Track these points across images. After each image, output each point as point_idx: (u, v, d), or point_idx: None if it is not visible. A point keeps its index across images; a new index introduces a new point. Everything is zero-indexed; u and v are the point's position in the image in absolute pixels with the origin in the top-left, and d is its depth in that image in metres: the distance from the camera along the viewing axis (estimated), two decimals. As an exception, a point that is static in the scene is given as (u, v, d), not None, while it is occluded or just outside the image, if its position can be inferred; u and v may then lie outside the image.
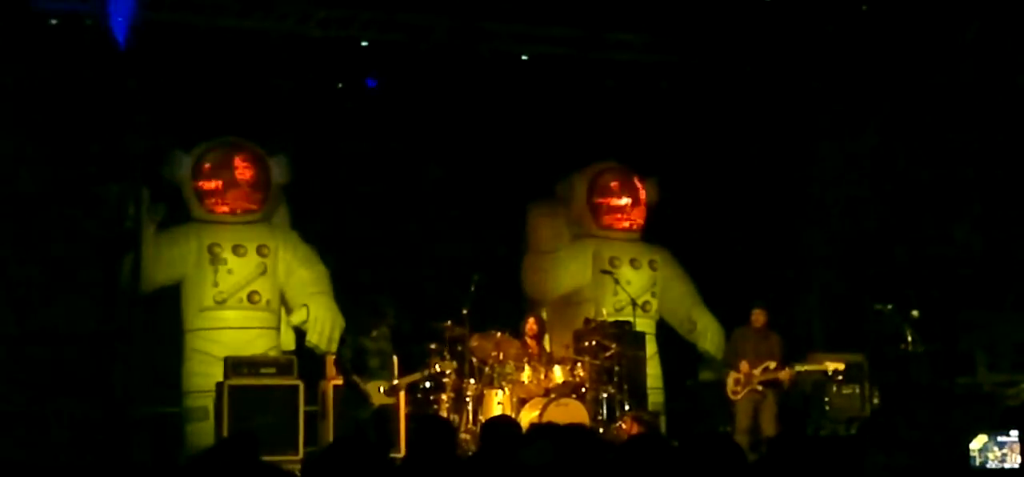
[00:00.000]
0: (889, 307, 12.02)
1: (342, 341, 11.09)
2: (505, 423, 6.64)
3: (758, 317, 11.71)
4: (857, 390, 12.30)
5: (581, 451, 5.50)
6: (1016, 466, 5.78)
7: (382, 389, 10.63)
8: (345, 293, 12.73)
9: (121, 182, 11.48)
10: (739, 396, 11.47)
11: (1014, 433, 5.81)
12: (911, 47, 12.89)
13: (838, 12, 12.87)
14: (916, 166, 13.60)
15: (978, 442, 5.80)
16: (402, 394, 11.30)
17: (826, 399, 12.33)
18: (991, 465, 5.77)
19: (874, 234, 13.78)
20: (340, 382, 10.95)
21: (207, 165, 12.66)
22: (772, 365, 11.39)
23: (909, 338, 11.73)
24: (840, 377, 12.19)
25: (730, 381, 11.54)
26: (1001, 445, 5.77)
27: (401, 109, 13.30)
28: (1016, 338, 12.33)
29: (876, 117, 13.76)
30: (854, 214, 13.99)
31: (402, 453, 10.33)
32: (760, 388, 11.40)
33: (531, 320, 12.36)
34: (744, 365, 11.43)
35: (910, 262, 13.32)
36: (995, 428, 5.83)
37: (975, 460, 5.78)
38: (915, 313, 11.84)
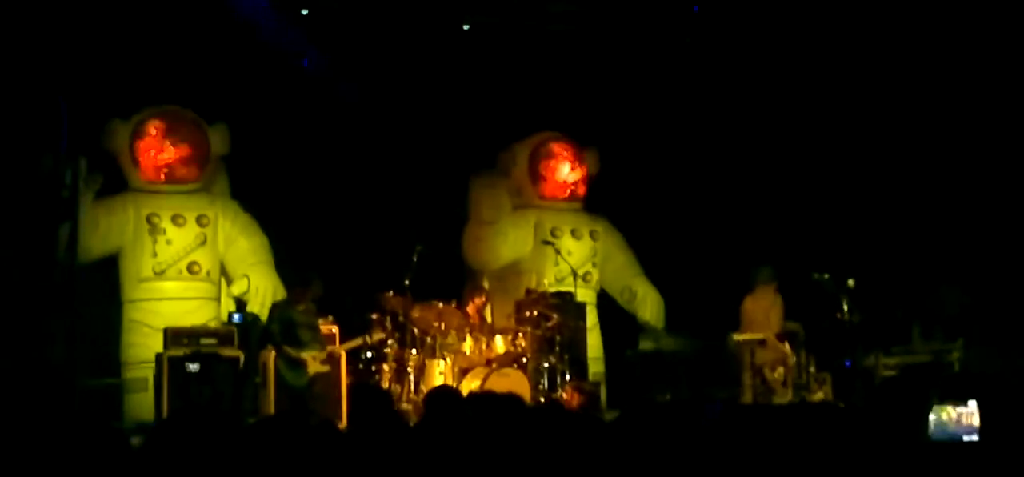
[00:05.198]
0: (826, 276, 12.20)
1: (270, 316, 11.14)
2: (448, 394, 6.66)
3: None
4: (794, 359, 12.47)
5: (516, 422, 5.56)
6: (975, 438, 5.81)
7: (316, 357, 10.70)
8: (285, 263, 12.67)
9: (57, 151, 11.31)
10: None
11: (972, 403, 5.84)
12: (852, 18, 13.05)
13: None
14: (851, 135, 13.78)
15: (936, 413, 5.83)
16: (343, 364, 11.32)
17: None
18: (950, 437, 5.81)
19: (811, 204, 13.95)
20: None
21: (145, 134, 12.51)
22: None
23: (845, 307, 11.91)
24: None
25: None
26: (959, 416, 5.81)
27: (341, 78, 13.24)
28: (947, 310, 12.54)
29: (813, 86, 13.90)
30: (792, 183, 14.15)
31: (344, 423, 10.35)
32: None
33: (477, 292, 12.41)
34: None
35: (847, 232, 13.51)
36: (953, 399, 5.85)
37: (933, 431, 5.81)
38: (851, 282, 12.02)
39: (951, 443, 5.81)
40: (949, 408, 5.81)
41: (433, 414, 6.21)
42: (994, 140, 12.91)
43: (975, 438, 5.82)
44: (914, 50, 13.08)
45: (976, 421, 5.81)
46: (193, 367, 10.84)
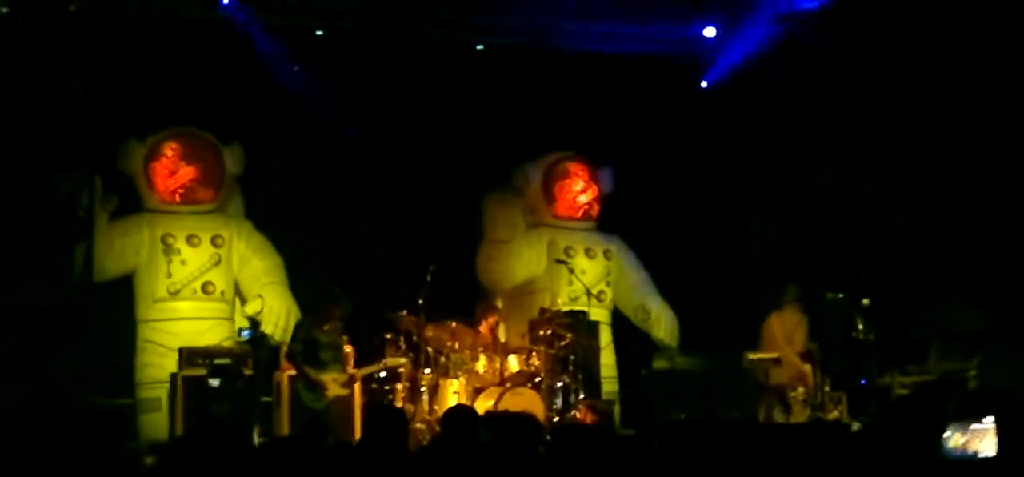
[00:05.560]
0: (840, 295, 12.17)
1: (293, 335, 11.08)
2: (465, 413, 6.65)
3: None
4: (812, 379, 12.42)
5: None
6: (991, 454, 5.74)
7: (336, 380, 10.64)
8: (299, 283, 12.68)
9: (73, 172, 11.37)
10: None
11: (988, 420, 5.77)
12: (863, 41, 13.06)
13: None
14: (864, 153, 13.77)
15: (952, 430, 5.77)
16: (358, 386, 11.30)
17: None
18: (965, 454, 5.75)
19: (826, 222, 13.94)
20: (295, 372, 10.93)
21: (160, 155, 12.55)
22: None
23: (860, 326, 11.87)
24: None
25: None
26: (975, 432, 5.74)
27: (355, 98, 13.28)
28: (965, 328, 12.49)
29: (827, 106, 13.90)
30: (806, 202, 14.14)
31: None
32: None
33: (491, 311, 12.40)
34: None
35: (861, 250, 13.49)
36: (969, 415, 5.78)
37: (949, 449, 5.75)
38: (866, 301, 11.98)
39: (968, 460, 5.76)
40: (965, 425, 5.76)
41: (450, 433, 6.20)
42: (1012, 156, 12.87)
43: (992, 453, 5.76)
44: (925, 64, 13.08)
45: (993, 438, 5.75)
46: (214, 382, 10.83)
